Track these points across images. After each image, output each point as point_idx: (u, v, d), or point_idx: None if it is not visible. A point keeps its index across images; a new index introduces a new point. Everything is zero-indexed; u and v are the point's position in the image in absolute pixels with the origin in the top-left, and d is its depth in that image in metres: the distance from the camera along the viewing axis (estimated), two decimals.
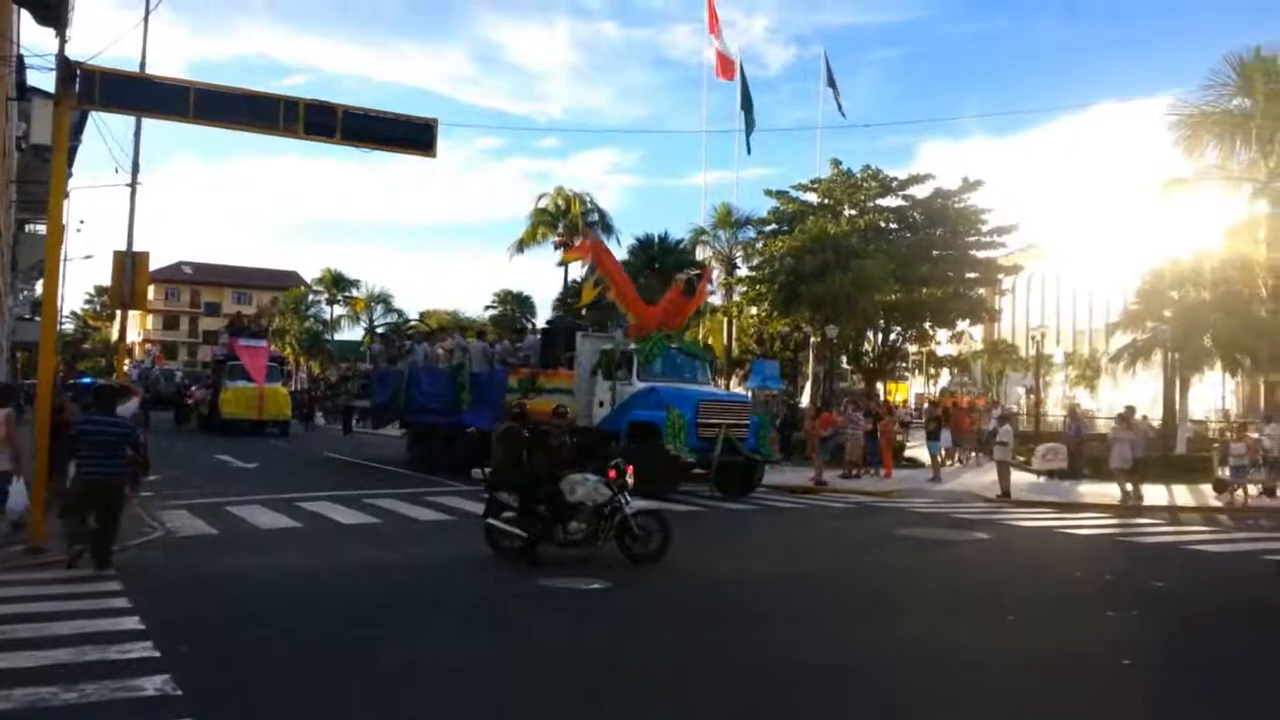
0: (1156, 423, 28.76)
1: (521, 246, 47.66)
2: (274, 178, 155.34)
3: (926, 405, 40.10)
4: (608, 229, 45.33)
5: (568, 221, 45.85)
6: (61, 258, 15.57)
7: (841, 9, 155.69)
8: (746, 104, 43.12)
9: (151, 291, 64.82)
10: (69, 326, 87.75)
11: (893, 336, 39.66)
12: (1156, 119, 31.77)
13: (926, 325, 38.96)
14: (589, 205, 46.78)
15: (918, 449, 28.69)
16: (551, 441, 12.14)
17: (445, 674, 7.03)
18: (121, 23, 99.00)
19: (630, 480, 11.60)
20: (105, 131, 32.81)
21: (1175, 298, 31.19)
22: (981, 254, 38.17)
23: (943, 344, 46.80)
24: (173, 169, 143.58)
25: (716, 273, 38.68)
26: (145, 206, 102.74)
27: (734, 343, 42.53)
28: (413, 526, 14.64)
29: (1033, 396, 44.22)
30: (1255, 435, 21.52)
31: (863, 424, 24.35)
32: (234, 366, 36.55)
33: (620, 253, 37.15)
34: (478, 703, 6.48)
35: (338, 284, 74.73)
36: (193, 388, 43.70)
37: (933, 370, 55.10)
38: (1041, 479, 23.35)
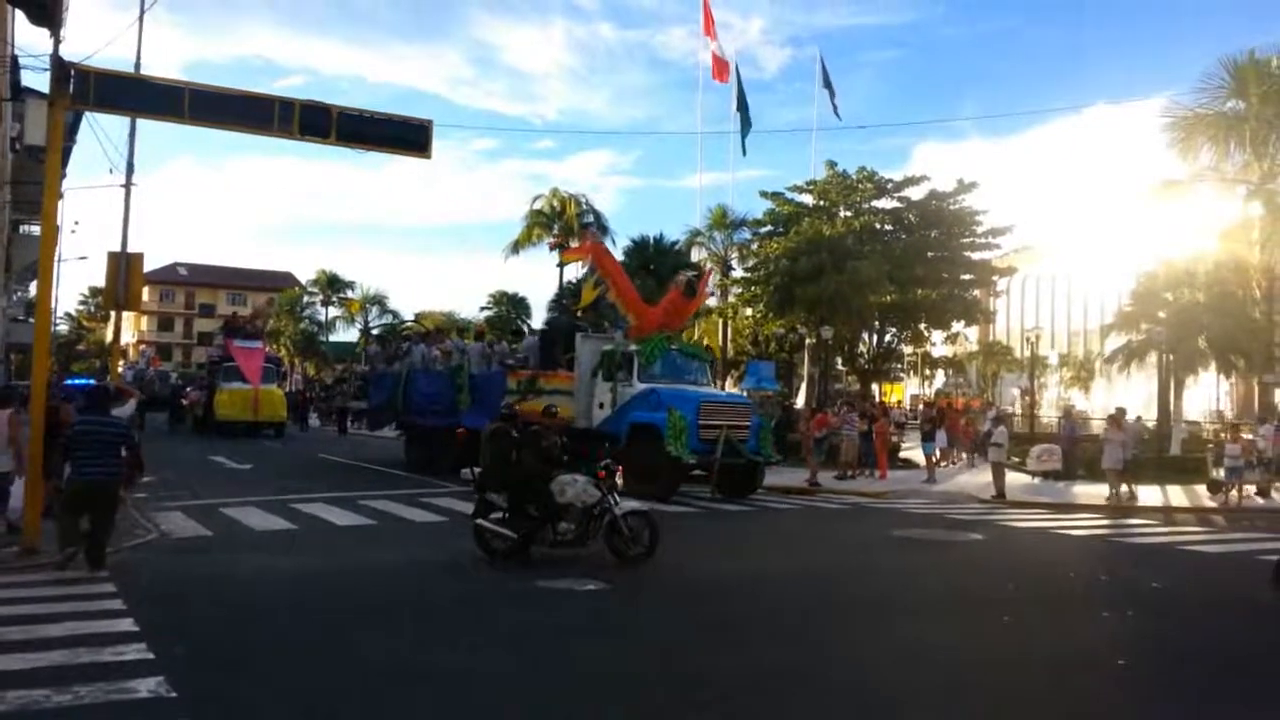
0: (1151, 424, 28.83)
1: (517, 248, 47.65)
2: (269, 179, 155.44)
3: (921, 406, 40.11)
4: (603, 230, 45.30)
5: (563, 223, 45.86)
6: (55, 259, 15.57)
7: (837, 11, 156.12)
8: (742, 105, 43.23)
9: (146, 293, 64.55)
10: (63, 328, 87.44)
11: (888, 338, 39.74)
12: (1151, 121, 31.97)
13: (921, 326, 39.04)
14: (584, 207, 46.79)
15: (913, 450, 28.72)
16: (542, 442, 12.12)
17: (442, 675, 7.02)
18: (116, 23, 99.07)
19: (619, 481, 11.60)
20: (100, 132, 32.65)
21: (1170, 299, 31.28)
22: (976, 255, 38.25)
23: (938, 345, 46.96)
24: (168, 170, 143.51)
25: (714, 275, 38.69)
26: (140, 207, 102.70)
27: (729, 344, 42.56)
28: (408, 528, 14.62)
29: (1027, 398, 44.31)
30: (1249, 436, 21.56)
31: (858, 425, 24.36)
32: (229, 368, 36.48)
33: (616, 254, 37.15)
34: (475, 704, 6.47)
35: (333, 285, 74.72)
36: (188, 389, 43.61)
37: (928, 371, 55.28)
38: (1036, 480, 23.37)
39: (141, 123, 20.57)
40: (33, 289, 36.50)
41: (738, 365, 41.53)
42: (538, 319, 53.47)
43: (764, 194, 40.33)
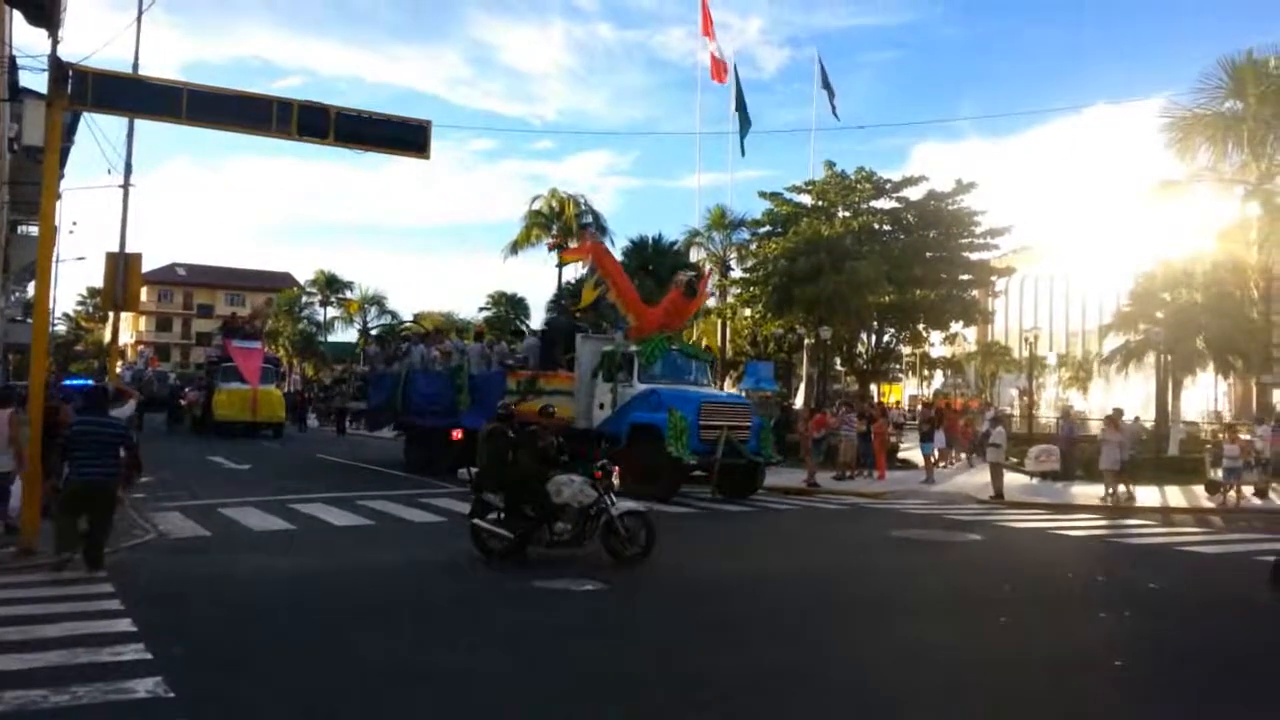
0: (1149, 424, 28.84)
1: (515, 248, 47.66)
2: (268, 179, 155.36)
3: (920, 407, 40.13)
4: (601, 231, 45.31)
5: (562, 223, 45.87)
6: (54, 259, 15.55)
7: (835, 11, 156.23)
8: (740, 105, 43.24)
9: (144, 293, 64.51)
10: (61, 328, 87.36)
11: (886, 338, 39.73)
12: (1149, 121, 32.03)
13: (920, 327, 39.01)
14: (583, 207, 46.81)
15: (911, 451, 28.72)
16: (538, 442, 12.13)
17: (440, 675, 7.02)
18: (114, 23, 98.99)
19: (616, 481, 11.61)
20: (98, 133, 32.72)
21: (1167, 299, 31.29)
22: (975, 256, 38.25)
23: (936, 346, 46.95)
24: (166, 170, 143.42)
25: (713, 276, 38.71)
26: (138, 208, 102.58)
27: (728, 344, 42.56)
28: (406, 528, 14.62)
29: (1026, 398, 44.35)
30: (1247, 437, 21.58)
31: (856, 426, 24.37)
32: (228, 368, 36.46)
33: (614, 254, 37.15)
34: (474, 704, 6.47)
35: (331, 285, 74.68)
36: (186, 389, 43.60)
37: (926, 372, 55.27)
38: (1035, 480, 23.38)
39: (139, 123, 20.60)
40: (31, 289, 36.47)
41: (736, 366, 41.52)
42: (536, 319, 53.52)
43: (762, 194, 40.35)
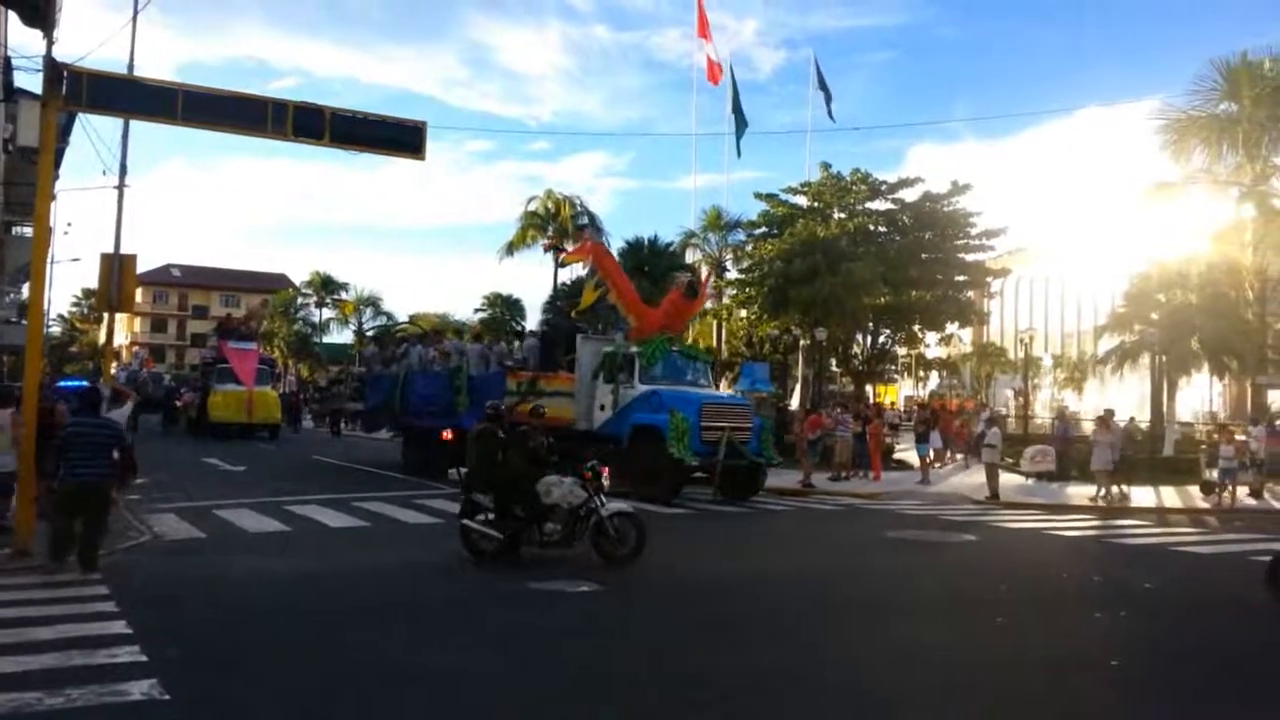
0: (1144, 425, 28.89)
1: (511, 249, 47.64)
2: (263, 180, 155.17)
3: (915, 408, 40.17)
4: (598, 232, 45.31)
5: (557, 224, 45.87)
6: (48, 260, 15.51)
7: (831, 12, 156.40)
8: (736, 107, 43.27)
9: (139, 294, 64.73)
10: (56, 329, 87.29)
11: (882, 339, 39.75)
12: (1144, 123, 31.96)
13: (915, 328, 39.05)
14: (579, 208, 46.82)
15: (907, 451, 28.75)
16: (529, 442, 12.13)
17: (435, 677, 7.02)
18: (109, 24, 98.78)
19: (605, 482, 11.63)
20: (93, 133, 32.73)
21: (1163, 300, 31.37)
22: (970, 257, 38.28)
23: (932, 347, 46.95)
24: (161, 171, 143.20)
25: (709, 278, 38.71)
26: (133, 209, 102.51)
27: (724, 345, 42.57)
28: (401, 529, 14.62)
29: (1021, 399, 44.39)
30: (1242, 437, 21.62)
31: (852, 426, 24.39)
32: (223, 369, 36.37)
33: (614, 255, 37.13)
34: (467, 705, 6.47)
35: (326, 286, 74.62)
36: (181, 391, 43.51)
37: (922, 373, 55.18)
38: (1030, 481, 23.41)
39: (134, 124, 20.60)
40: (25, 291, 36.39)
41: (732, 367, 41.54)
42: (532, 321, 53.53)
43: (758, 195, 40.33)
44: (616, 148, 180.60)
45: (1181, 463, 25.07)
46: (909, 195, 37.99)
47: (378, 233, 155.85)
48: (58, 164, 19.01)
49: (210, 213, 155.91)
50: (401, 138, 13.65)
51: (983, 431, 23.10)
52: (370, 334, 63.32)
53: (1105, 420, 20.95)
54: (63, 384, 36.15)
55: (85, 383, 30.25)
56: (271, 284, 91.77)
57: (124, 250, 18.85)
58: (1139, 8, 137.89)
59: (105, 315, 26.76)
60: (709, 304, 41.14)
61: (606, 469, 11.88)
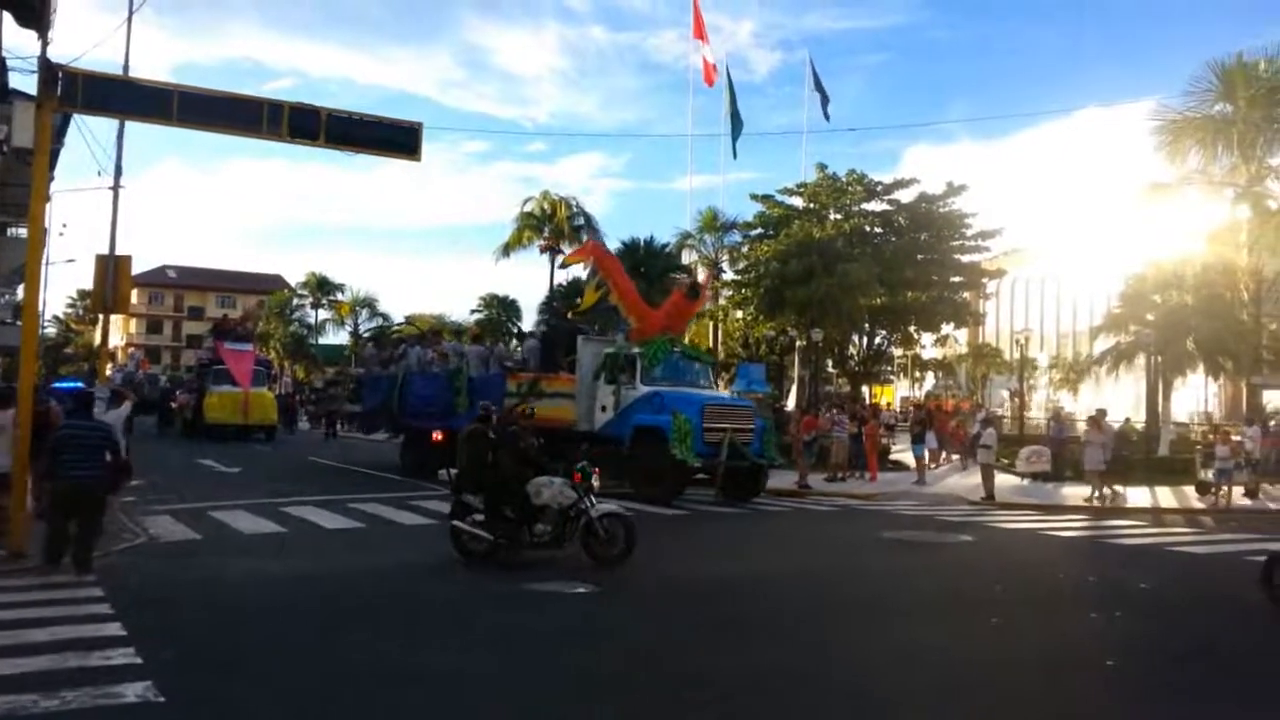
0: (1140, 425, 28.92)
1: (507, 250, 47.59)
2: (259, 181, 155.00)
3: (911, 409, 40.23)
4: (594, 233, 45.33)
5: (554, 226, 45.85)
6: (43, 262, 15.48)
7: (827, 14, 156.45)
8: (733, 108, 43.31)
9: (135, 295, 64.55)
10: (51, 331, 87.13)
11: (878, 340, 39.80)
12: (1140, 124, 32.07)
13: (911, 329, 39.08)
14: (575, 209, 46.78)
15: (903, 452, 28.77)
16: (519, 443, 12.14)
17: (431, 677, 7.01)
18: (105, 25, 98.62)
19: (596, 483, 11.64)
20: (88, 134, 32.61)
21: (1158, 301, 31.44)
22: (966, 258, 38.33)
23: (927, 347, 46.97)
24: (156, 172, 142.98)
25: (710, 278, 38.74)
26: (129, 210, 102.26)
27: (720, 346, 42.60)
28: (397, 531, 14.61)
29: (1017, 399, 44.41)
30: (1238, 438, 21.65)
31: (848, 427, 24.40)
32: (219, 371, 36.26)
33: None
34: (465, 705, 6.46)
35: (322, 288, 74.48)
36: (177, 392, 43.41)
37: (918, 374, 55.24)
38: (1025, 481, 23.45)
39: (129, 125, 20.52)
40: (20, 292, 36.31)
41: (728, 368, 41.59)
42: (528, 321, 53.50)
43: (754, 197, 40.35)
44: (613, 149, 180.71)
45: (1177, 463, 25.11)
46: (905, 196, 38.03)
47: (374, 234, 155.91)
48: (53, 165, 18.91)
49: (206, 214, 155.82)
50: (397, 139, 13.65)
51: (978, 432, 23.13)
52: (367, 335, 63.25)
53: (1097, 420, 20.99)
54: (57, 385, 36.13)
55: (80, 384, 30.24)
56: (267, 285, 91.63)
57: (119, 251, 18.81)
58: (1136, 8, 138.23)
59: (100, 316, 26.68)
60: (705, 305, 41.21)
61: (597, 470, 11.88)
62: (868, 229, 38.46)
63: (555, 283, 44.77)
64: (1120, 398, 32.41)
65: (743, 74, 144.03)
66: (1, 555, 10.97)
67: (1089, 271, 56.06)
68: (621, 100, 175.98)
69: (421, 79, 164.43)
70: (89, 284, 17.58)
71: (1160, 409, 30.59)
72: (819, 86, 44.37)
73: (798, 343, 36.54)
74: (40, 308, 16.89)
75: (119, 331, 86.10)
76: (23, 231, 28.10)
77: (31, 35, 15.40)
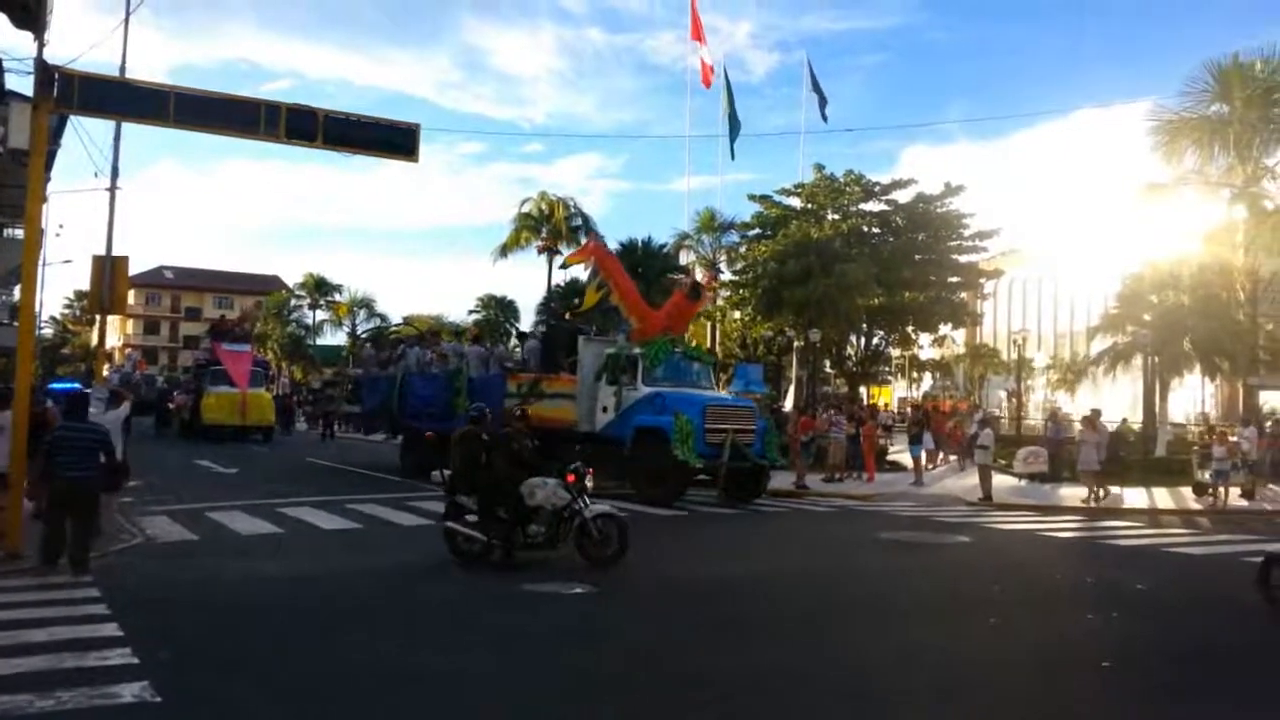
0: (1137, 426, 28.96)
1: (505, 251, 47.62)
2: (256, 182, 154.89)
3: (909, 409, 40.24)
4: (594, 234, 45.32)
5: (551, 227, 45.87)
6: (39, 262, 15.48)
7: (825, 15, 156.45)
8: (730, 109, 43.34)
9: (132, 296, 64.27)
10: (48, 331, 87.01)
11: (875, 340, 39.84)
12: (1136, 125, 32.14)
13: (909, 329, 39.14)
14: (572, 210, 46.81)
15: (901, 453, 28.78)
16: (513, 445, 12.15)
17: (431, 677, 7.00)
18: (101, 26, 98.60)
19: (589, 484, 11.65)
20: (84, 135, 32.63)
21: (1155, 302, 31.47)
22: (963, 258, 38.38)
23: (925, 348, 47.03)
24: (153, 173, 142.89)
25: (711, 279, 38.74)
26: (125, 211, 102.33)
27: (718, 347, 42.62)
28: (394, 531, 14.59)
29: (1014, 400, 44.45)
30: (1234, 438, 21.67)
31: (846, 428, 24.39)
32: (216, 371, 36.24)
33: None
34: (466, 705, 6.46)
35: (320, 288, 74.38)
36: (174, 393, 43.37)
37: (915, 374, 55.30)
38: (1023, 482, 23.45)
39: (126, 126, 20.52)
40: (17, 293, 36.27)
41: (726, 368, 41.61)
42: (526, 322, 53.52)
43: (752, 197, 40.43)
44: (610, 150, 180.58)
45: (1174, 464, 25.13)
46: (902, 197, 38.09)
47: (371, 235, 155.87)
48: (49, 166, 18.89)
49: (203, 215, 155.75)
50: (394, 140, 13.66)
51: (976, 433, 23.12)
52: (364, 336, 63.17)
53: (1092, 420, 21.00)
54: (54, 385, 36.09)
55: (77, 384, 30.20)
56: (265, 286, 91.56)
57: (116, 252, 18.77)
58: (1133, 9, 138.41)
59: (97, 317, 26.68)
60: (706, 305, 41.20)
61: (591, 470, 11.89)
62: (865, 229, 38.51)
63: (553, 283, 44.83)
64: (1117, 398, 32.47)
65: (740, 75, 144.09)
66: None
67: (1086, 272, 56.11)
68: (619, 101, 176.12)
69: (419, 80, 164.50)
70: (86, 285, 17.56)
71: (1157, 409, 30.61)
72: (816, 87, 44.44)
73: (795, 343, 36.55)
74: (37, 309, 16.88)
75: (116, 332, 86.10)
76: (19, 233, 28.08)
77: (27, 36, 15.38)
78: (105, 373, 28.73)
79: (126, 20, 20.09)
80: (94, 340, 39.89)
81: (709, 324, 42.18)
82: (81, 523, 10.37)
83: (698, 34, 45.08)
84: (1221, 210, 30.76)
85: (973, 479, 22.26)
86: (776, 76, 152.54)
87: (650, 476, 18.00)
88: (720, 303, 40.54)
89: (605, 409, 19.30)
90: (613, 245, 42.15)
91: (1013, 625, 9.27)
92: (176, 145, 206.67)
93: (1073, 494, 21.35)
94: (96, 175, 22.36)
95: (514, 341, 32.60)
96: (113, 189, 21.62)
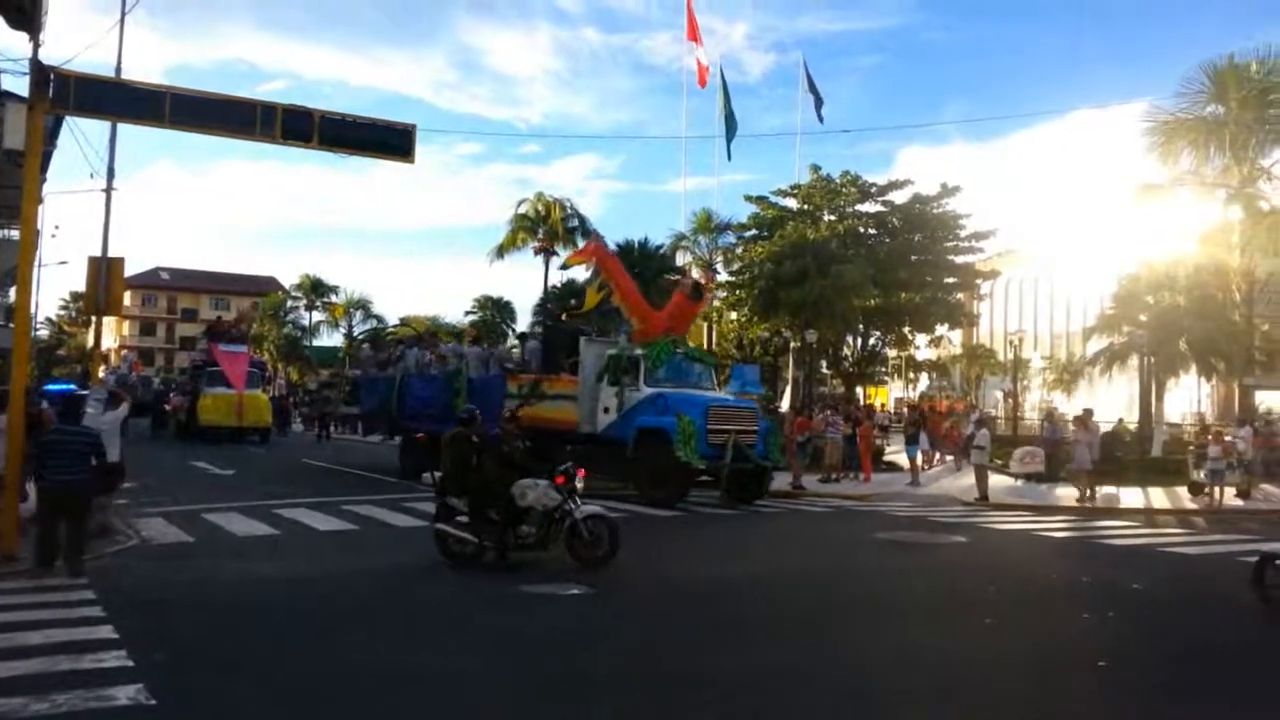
0: (1133, 426, 29.00)
1: (501, 252, 47.52)
2: (252, 183, 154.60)
3: (906, 410, 40.31)
4: (588, 235, 45.31)
5: (548, 227, 45.79)
6: (35, 264, 15.43)
7: (821, 16, 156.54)
8: (727, 110, 43.40)
9: (128, 297, 64.44)
10: (43, 333, 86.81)
11: (872, 341, 39.91)
12: (1132, 126, 32.19)
13: (905, 330, 39.20)
14: (569, 211, 46.75)
15: (897, 454, 28.80)
16: (504, 446, 12.14)
17: (429, 678, 6.99)
18: (97, 27, 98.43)
19: (580, 485, 11.65)
20: (80, 136, 32.59)
21: (1151, 302, 31.49)
22: (960, 259, 38.46)
23: (921, 348, 47.12)
24: (149, 174, 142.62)
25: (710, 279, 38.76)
26: (121, 212, 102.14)
27: (714, 347, 42.63)
28: (390, 533, 14.58)
29: (1010, 400, 44.52)
30: (1230, 438, 21.70)
31: (842, 428, 24.41)
32: (213, 372, 36.20)
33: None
34: (464, 705, 6.46)
35: (316, 290, 74.32)
36: (171, 394, 43.32)
37: (912, 375, 55.38)
38: (1019, 482, 23.47)
39: (122, 127, 20.51)
40: (12, 294, 36.19)
41: (722, 369, 41.63)
42: (523, 323, 53.46)
43: (748, 198, 40.48)
44: (607, 150, 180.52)
45: (1169, 464, 25.16)
46: (899, 197, 38.16)
47: (367, 235, 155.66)
48: (45, 167, 18.88)
49: (199, 216, 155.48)
50: (390, 140, 13.65)
51: (972, 433, 23.14)
52: (361, 337, 63.15)
53: (1084, 420, 21.03)
54: (49, 387, 35.98)
55: (73, 386, 30.13)
56: (261, 287, 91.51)
57: (112, 253, 18.80)
58: (1129, 10, 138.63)
59: (93, 318, 26.67)
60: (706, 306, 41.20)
61: (581, 471, 11.89)
62: (862, 230, 38.57)
63: (550, 284, 44.76)
64: (1113, 398, 32.51)
65: (736, 76, 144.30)
66: None
67: (1082, 272, 56.15)
68: (615, 102, 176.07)
69: (415, 81, 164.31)
70: (82, 286, 17.58)
71: (1153, 410, 30.66)
72: (813, 88, 44.58)
73: (792, 344, 36.59)
74: (33, 310, 16.84)
75: (112, 334, 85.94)
76: (14, 234, 28.02)
77: (23, 37, 15.32)
78: (101, 374, 28.71)
79: (122, 20, 20.10)
80: (90, 342, 39.79)
81: (706, 325, 42.17)
82: (74, 525, 10.37)
83: (694, 34, 45.23)
84: (1217, 211, 30.82)
85: (969, 479, 22.28)
86: (773, 77, 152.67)
87: (653, 478, 17.99)
88: (717, 304, 40.56)
89: (607, 410, 19.26)
90: (609, 246, 42.24)
91: (1010, 625, 9.28)
92: (172, 146, 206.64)
93: (1069, 494, 21.35)
94: (92, 176, 22.40)
95: (512, 342, 32.60)
96: (108, 190, 21.65)
